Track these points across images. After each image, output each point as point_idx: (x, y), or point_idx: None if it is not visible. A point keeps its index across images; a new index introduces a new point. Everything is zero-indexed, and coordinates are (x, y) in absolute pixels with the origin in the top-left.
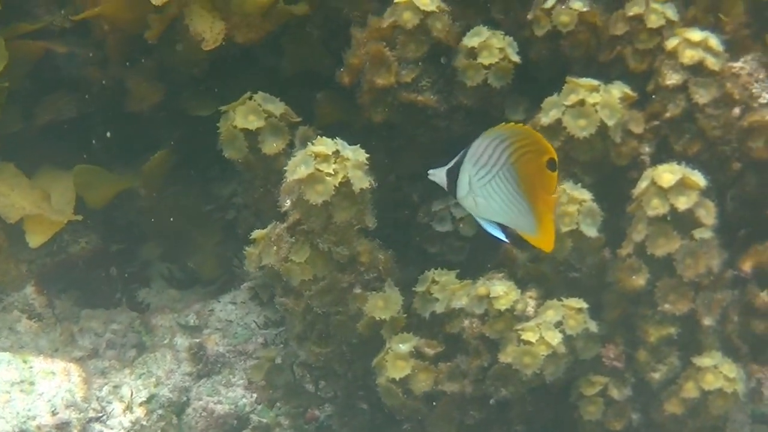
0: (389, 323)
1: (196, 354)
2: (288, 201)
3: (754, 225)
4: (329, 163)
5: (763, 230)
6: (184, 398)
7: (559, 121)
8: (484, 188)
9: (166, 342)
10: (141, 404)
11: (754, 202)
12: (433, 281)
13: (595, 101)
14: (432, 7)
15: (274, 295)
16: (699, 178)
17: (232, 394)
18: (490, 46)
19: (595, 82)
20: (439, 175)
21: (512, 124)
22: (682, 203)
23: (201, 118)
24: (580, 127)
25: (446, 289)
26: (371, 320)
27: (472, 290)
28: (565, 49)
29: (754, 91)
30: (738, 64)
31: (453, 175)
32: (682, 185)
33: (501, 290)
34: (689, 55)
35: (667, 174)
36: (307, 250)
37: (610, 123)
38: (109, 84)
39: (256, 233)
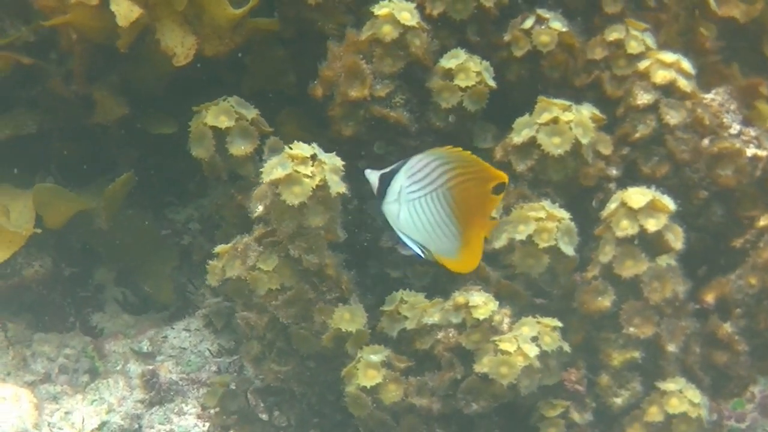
0: (355, 336)
1: (149, 381)
2: (260, 206)
3: (717, 256)
4: (307, 166)
5: (725, 262)
6: (136, 426)
7: (533, 139)
8: (411, 203)
9: (118, 368)
10: (92, 431)
11: (718, 233)
12: (402, 301)
13: (568, 119)
14: (413, 23)
15: (229, 320)
16: (669, 202)
17: (184, 423)
18: (467, 69)
19: (567, 102)
20: (372, 176)
21: (458, 149)
22: (652, 225)
23: (160, 140)
24: (554, 145)
25: (416, 308)
26: (337, 332)
27: (448, 302)
28: (545, 70)
29: (724, 120)
30: (709, 96)
31: (385, 180)
32: (652, 208)
33: (480, 300)
34: (662, 76)
35: (638, 195)
36: (275, 258)
37: (584, 141)
38: (72, 98)
39: (220, 248)
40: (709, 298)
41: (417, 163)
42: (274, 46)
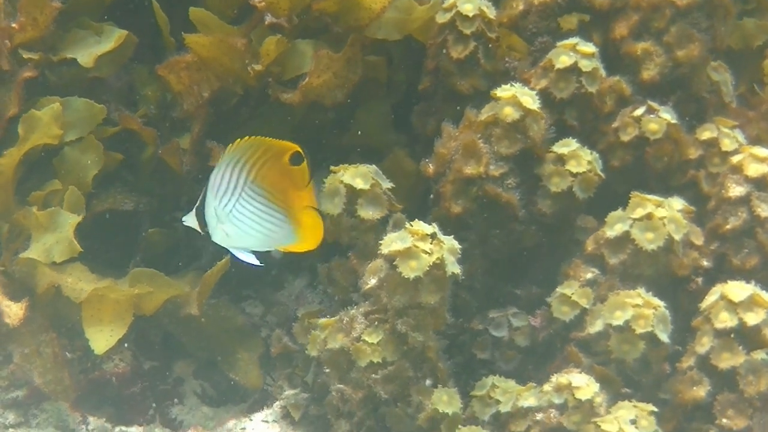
0: (451, 419)
1: None
2: (373, 279)
3: None
4: (426, 243)
5: None
6: None
7: (626, 234)
8: (231, 215)
9: None
10: None
11: None
12: (494, 386)
13: (662, 215)
14: (534, 107)
15: (306, 411)
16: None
17: None
18: (579, 157)
19: (659, 198)
20: (189, 219)
21: (245, 139)
22: (751, 319)
23: None
24: (648, 240)
25: (508, 393)
26: (434, 413)
27: (546, 385)
28: (649, 158)
29: None
30: None
31: (201, 212)
32: (751, 302)
33: (582, 381)
34: (754, 169)
35: (738, 289)
36: (381, 333)
37: (677, 237)
38: (180, 170)
39: (324, 321)
40: None
41: (216, 177)
42: (381, 99)
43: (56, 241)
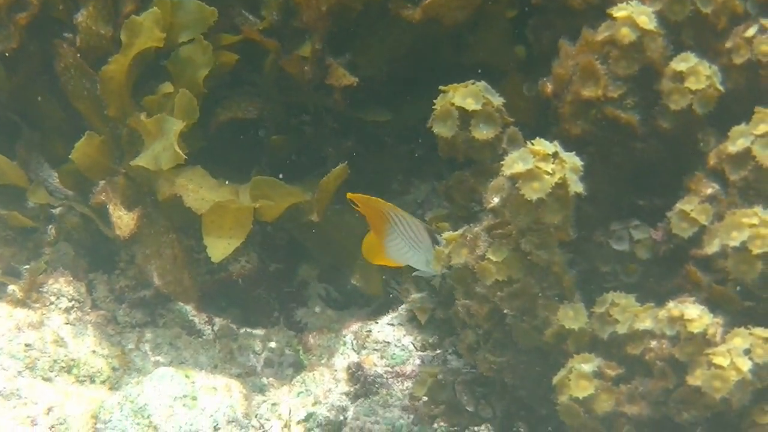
0: (577, 334)
1: (354, 374)
2: (496, 198)
3: None
4: (548, 163)
5: None
6: (341, 417)
7: (747, 150)
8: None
9: (323, 362)
10: (299, 422)
11: None
12: (613, 303)
13: None
14: (650, 27)
15: (433, 315)
16: None
17: (389, 415)
18: (698, 73)
19: None
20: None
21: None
22: None
23: (370, 133)
24: None
25: (627, 311)
26: (560, 329)
27: (661, 312)
28: (762, 80)
29: None
30: None
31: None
32: None
33: (695, 313)
34: None
35: None
36: (505, 251)
37: None
38: (300, 79)
39: (447, 235)
40: None
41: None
42: (501, 16)
43: (163, 149)
